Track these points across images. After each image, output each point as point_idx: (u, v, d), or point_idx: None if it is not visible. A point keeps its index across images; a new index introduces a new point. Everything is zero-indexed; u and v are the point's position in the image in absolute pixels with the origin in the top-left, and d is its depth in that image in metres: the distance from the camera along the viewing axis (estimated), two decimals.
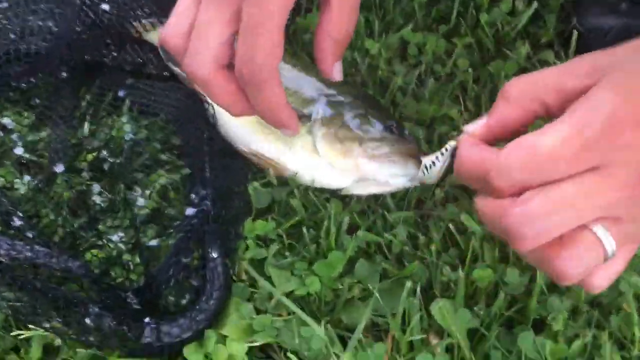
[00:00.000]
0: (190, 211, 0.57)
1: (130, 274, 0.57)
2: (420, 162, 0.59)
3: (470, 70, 0.76)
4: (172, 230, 0.57)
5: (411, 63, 0.80)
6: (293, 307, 0.56)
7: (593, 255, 0.37)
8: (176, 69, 0.67)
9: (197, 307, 0.54)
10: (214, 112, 0.65)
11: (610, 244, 0.37)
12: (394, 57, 0.80)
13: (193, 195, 0.58)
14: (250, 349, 0.56)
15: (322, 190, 0.66)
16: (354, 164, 0.64)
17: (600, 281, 0.41)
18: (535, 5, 0.81)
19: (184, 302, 0.55)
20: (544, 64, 0.80)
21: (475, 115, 0.74)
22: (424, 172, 0.57)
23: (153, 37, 0.70)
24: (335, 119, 0.65)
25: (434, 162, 0.57)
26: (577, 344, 0.56)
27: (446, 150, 0.57)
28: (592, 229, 0.37)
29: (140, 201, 0.59)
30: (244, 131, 0.65)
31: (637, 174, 0.36)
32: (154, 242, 0.57)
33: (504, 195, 0.37)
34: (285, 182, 0.66)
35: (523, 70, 0.79)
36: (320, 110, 0.66)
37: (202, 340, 0.54)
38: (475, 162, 0.40)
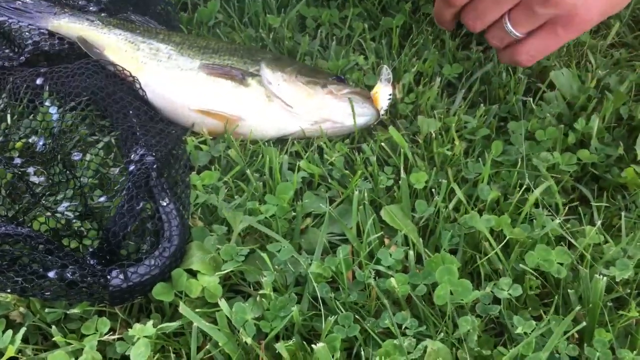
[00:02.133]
0: (132, 167, 0.57)
1: (84, 239, 0.55)
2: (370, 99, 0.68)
3: (366, 26, 0.84)
4: (117, 187, 0.57)
5: (310, 34, 0.87)
6: (259, 227, 0.57)
7: (502, 33, 0.70)
8: (97, 57, 0.70)
9: (160, 246, 0.53)
10: (140, 86, 0.67)
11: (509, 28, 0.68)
12: (294, 31, 0.86)
13: (132, 155, 0.59)
14: (222, 282, 0.56)
15: (264, 141, 0.69)
16: (319, 102, 0.69)
17: (523, 57, 0.71)
18: None
19: (145, 249, 0.55)
20: (428, 15, 0.90)
21: (379, 62, 0.82)
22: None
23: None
24: (287, 68, 0.71)
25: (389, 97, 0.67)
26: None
27: (389, 98, 0.68)
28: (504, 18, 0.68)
29: (81, 171, 0.58)
30: (193, 91, 0.69)
31: None
32: (101, 199, 0.56)
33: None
34: (222, 139, 0.69)
35: (409, 23, 0.88)
36: (269, 62, 0.71)
37: (170, 281, 0.54)
38: None
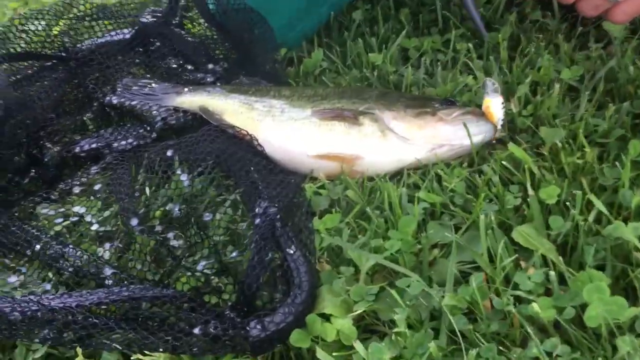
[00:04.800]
0: (258, 220, 0.60)
1: (223, 294, 0.58)
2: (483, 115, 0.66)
3: (471, 46, 0.82)
4: (246, 241, 0.60)
5: (414, 64, 0.86)
6: (386, 264, 0.57)
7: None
8: (219, 123, 0.76)
9: (292, 293, 0.55)
10: (258, 142, 0.71)
11: None
12: (398, 64, 0.87)
13: (257, 209, 0.61)
14: (356, 324, 0.56)
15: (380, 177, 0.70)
16: (432, 131, 0.69)
17: (619, 16, 0.72)
18: None
19: (278, 298, 0.56)
20: (536, 22, 0.86)
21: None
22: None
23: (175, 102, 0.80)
24: (396, 103, 0.72)
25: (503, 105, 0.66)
26: None
27: (502, 107, 0.66)
28: None
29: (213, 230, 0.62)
30: (309, 138, 0.72)
31: None
32: (234, 255, 0.59)
33: None
34: (339, 182, 0.70)
35: (517, 34, 0.85)
36: (377, 100, 0.73)
37: (305, 327, 0.55)
38: None
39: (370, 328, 0.58)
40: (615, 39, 0.79)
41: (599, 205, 0.57)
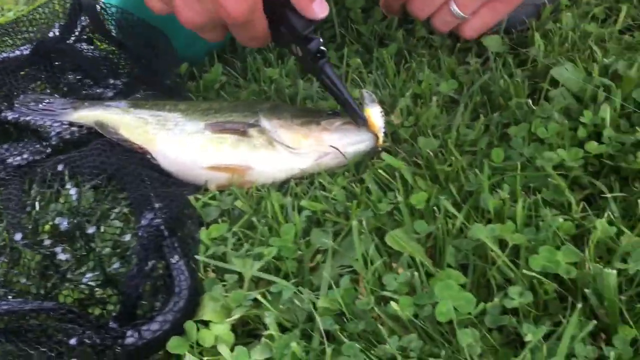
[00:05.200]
0: (141, 232, 0.62)
1: (107, 305, 0.60)
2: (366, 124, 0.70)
3: (359, 61, 0.87)
4: (129, 252, 0.61)
5: (309, 79, 0.90)
6: (263, 275, 0.60)
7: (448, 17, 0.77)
8: (114, 137, 0.77)
9: (171, 301, 0.57)
10: (151, 155, 0.73)
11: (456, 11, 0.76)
12: (295, 78, 0.90)
13: (142, 220, 0.63)
14: (235, 329, 0.58)
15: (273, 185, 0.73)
16: (316, 139, 0.73)
17: (468, 32, 0.80)
18: None
19: (158, 306, 0.58)
20: (423, 38, 0.92)
21: (374, 92, 0.83)
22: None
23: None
24: (283, 114, 0.76)
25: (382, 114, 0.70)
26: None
27: (381, 115, 0.70)
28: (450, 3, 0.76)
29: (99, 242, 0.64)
30: (202, 150, 0.74)
31: None
32: (116, 265, 0.61)
33: None
34: (229, 192, 0.72)
35: (406, 50, 0.90)
36: (266, 112, 0.76)
37: (184, 334, 0.57)
38: None
39: (254, 333, 0.61)
40: (492, 53, 0.85)
41: (448, 207, 0.62)
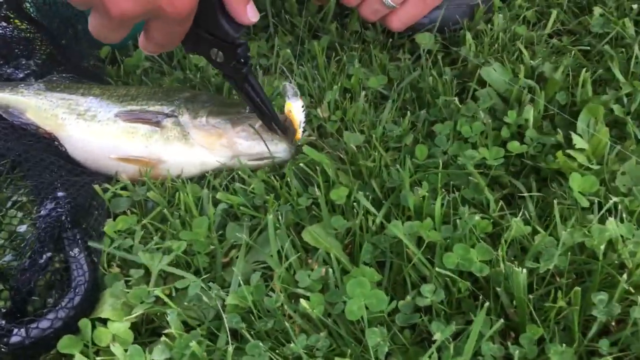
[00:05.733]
0: (39, 222, 0.57)
1: None
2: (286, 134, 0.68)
3: (289, 52, 0.84)
4: (25, 244, 0.57)
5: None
6: (171, 270, 0.56)
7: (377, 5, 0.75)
8: (20, 121, 0.71)
9: (64, 298, 0.53)
10: (59, 142, 0.68)
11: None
12: None
13: (42, 210, 0.59)
14: (137, 328, 0.55)
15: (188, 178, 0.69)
16: (229, 143, 0.69)
17: (395, 23, 0.79)
18: None
19: (51, 302, 0.54)
20: (356, 32, 0.90)
21: (304, 85, 0.81)
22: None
23: None
24: (200, 109, 0.71)
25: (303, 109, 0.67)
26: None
27: (303, 110, 0.68)
28: None
29: None
30: (112, 140, 0.70)
31: None
32: (7, 258, 0.56)
33: None
34: (142, 182, 0.68)
35: (339, 43, 0.88)
36: (183, 104, 0.72)
37: (78, 333, 0.53)
38: None
39: (159, 332, 0.57)
40: (423, 51, 0.84)
41: (365, 203, 0.60)
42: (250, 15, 0.59)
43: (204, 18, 0.60)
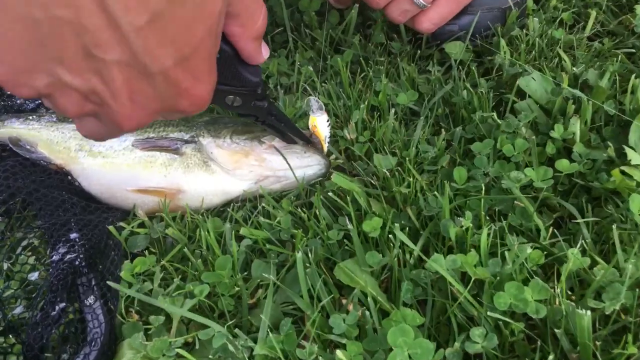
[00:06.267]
0: (51, 269, 0.53)
1: (9, 357, 0.51)
2: (314, 148, 0.63)
3: (311, 69, 0.79)
4: (35, 295, 0.52)
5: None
6: (194, 317, 0.51)
7: (407, 5, 0.70)
8: (31, 155, 0.68)
9: (79, 354, 0.48)
10: (72, 176, 0.65)
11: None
12: None
13: (54, 255, 0.54)
14: None
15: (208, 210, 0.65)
16: (258, 160, 0.65)
17: (425, 25, 0.73)
18: None
19: (65, 357, 0.50)
20: (381, 44, 0.85)
21: (328, 104, 0.76)
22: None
23: None
24: (222, 131, 0.67)
25: (328, 123, 0.64)
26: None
27: (328, 124, 0.63)
28: None
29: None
30: (128, 171, 0.66)
31: None
32: (18, 310, 0.52)
33: None
34: (161, 218, 0.64)
35: (363, 57, 0.83)
36: (203, 127, 0.67)
37: None
38: None
39: None
40: (454, 61, 0.78)
41: (402, 237, 0.55)
42: (265, 53, 0.54)
43: (220, 75, 0.54)
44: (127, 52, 0.37)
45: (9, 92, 0.66)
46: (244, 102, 0.56)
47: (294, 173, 0.64)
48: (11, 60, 0.36)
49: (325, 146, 0.66)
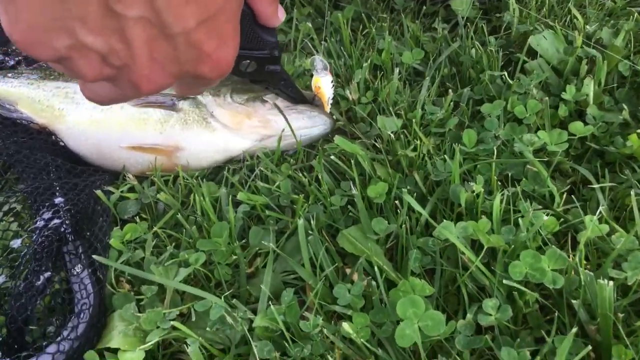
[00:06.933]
0: (35, 236, 0.50)
1: None
2: (318, 107, 0.59)
3: (310, 26, 0.75)
4: (19, 264, 0.49)
5: None
6: (183, 287, 0.48)
7: None
8: (11, 115, 0.63)
9: (67, 327, 0.45)
10: (56, 136, 0.61)
11: None
12: None
13: (38, 222, 0.51)
14: (154, 354, 0.47)
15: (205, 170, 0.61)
16: (262, 121, 0.61)
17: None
18: None
19: (51, 330, 0.46)
20: (383, 1, 0.80)
21: (330, 62, 0.72)
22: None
23: None
24: (221, 89, 0.63)
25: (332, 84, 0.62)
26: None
27: (332, 85, 0.59)
28: None
29: None
30: (121, 127, 0.61)
31: None
32: (0, 280, 0.48)
33: None
34: (152, 182, 0.60)
35: (365, 14, 0.79)
36: None
37: None
38: None
39: (178, 357, 0.50)
40: (462, 18, 0.74)
41: (410, 201, 0.51)
42: (281, 15, 0.50)
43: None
44: (150, 9, 0.33)
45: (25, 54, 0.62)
46: (258, 67, 0.53)
47: (294, 135, 0.60)
48: (29, 18, 0.32)
49: (328, 107, 0.62)
